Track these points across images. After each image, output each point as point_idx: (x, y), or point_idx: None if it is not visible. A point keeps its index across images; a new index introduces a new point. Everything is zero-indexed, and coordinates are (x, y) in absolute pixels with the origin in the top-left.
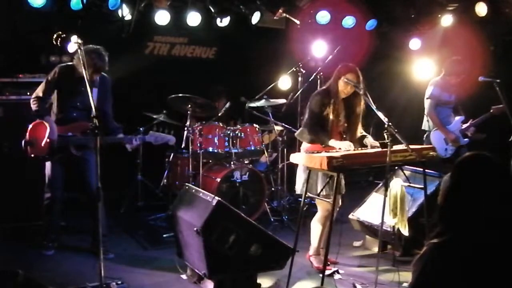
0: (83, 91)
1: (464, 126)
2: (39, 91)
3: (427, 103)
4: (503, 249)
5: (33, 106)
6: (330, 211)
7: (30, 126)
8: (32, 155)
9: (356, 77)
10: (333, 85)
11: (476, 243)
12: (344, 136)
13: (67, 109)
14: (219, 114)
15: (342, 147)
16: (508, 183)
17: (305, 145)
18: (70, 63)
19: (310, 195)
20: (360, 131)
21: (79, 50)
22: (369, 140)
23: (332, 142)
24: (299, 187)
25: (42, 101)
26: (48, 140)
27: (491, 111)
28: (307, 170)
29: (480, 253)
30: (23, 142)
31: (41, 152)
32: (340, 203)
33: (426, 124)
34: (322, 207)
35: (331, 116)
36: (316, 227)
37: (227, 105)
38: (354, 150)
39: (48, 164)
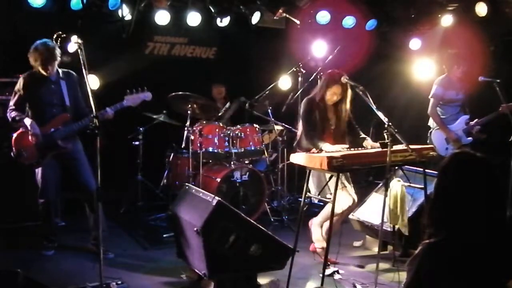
0: (53, 87)
1: (471, 124)
2: (11, 103)
3: (430, 102)
4: (491, 249)
5: (10, 116)
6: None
7: (13, 137)
8: (26, 163)
9: (342, 90)
10: (320, 93)
11: (466, 243)
12: (335, 140)
13: (45, 109)
14: (219, 114)
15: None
16: (494, 181)
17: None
18: (31, 70)
19: (323, 199)
20: (359, 134)
21: (79, 51)
22: (369, 142)
23: (324, 146)
24: (313, 190)
25: (17, 110)
26: (32, 137)
27: (500, 109)
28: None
29: (470, 253)
30: (12, 155)
31: (33, 157)
32: (356, 200)
33: (430, 121)
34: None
35: (319, 122)
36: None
37: (227, 105)
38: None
39: (38, 171)
